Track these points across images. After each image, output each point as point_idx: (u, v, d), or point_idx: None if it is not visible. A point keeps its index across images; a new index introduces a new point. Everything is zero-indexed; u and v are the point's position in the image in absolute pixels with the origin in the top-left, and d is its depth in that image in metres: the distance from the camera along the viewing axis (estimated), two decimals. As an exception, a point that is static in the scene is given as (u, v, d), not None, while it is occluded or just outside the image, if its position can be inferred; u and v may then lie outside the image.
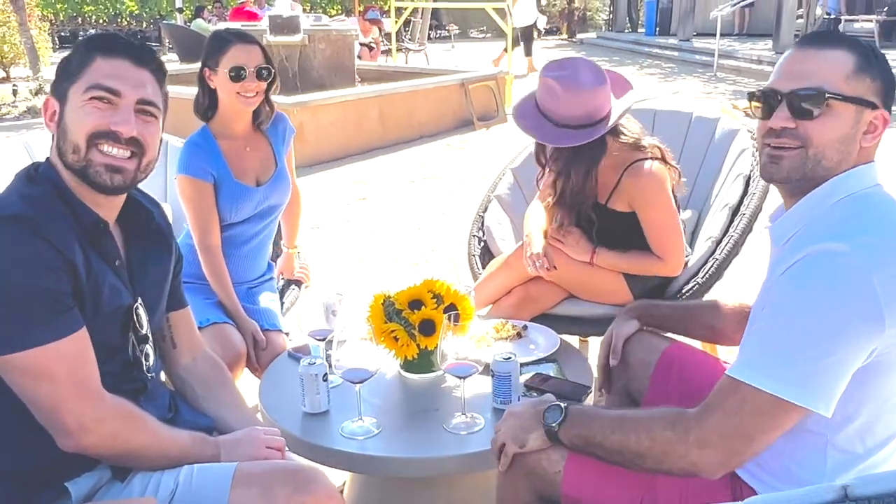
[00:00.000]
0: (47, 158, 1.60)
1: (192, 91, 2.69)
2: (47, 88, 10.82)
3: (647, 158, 2.58)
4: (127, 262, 1.66)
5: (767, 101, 1.49)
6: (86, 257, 1.51)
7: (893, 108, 1.54)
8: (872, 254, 1.31)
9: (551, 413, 1.62)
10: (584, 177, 2.57)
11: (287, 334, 2.70)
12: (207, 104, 2.65)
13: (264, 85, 2.62)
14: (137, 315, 1.65)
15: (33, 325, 1.42)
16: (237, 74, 2.55)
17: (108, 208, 1.62)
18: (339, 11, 26.07)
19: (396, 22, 15.18)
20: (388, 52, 15.63)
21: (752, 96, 1.54)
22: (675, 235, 2.65)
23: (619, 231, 2.69)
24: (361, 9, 17.84)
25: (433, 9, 19.32)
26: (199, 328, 2.05)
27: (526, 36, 15.55)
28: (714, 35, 15.41)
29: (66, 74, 1.56)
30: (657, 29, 21.35)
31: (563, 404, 1.62)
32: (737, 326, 1.90)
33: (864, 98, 1.43)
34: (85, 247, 1.53)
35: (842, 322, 1.30)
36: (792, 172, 1.47)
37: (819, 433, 1.42)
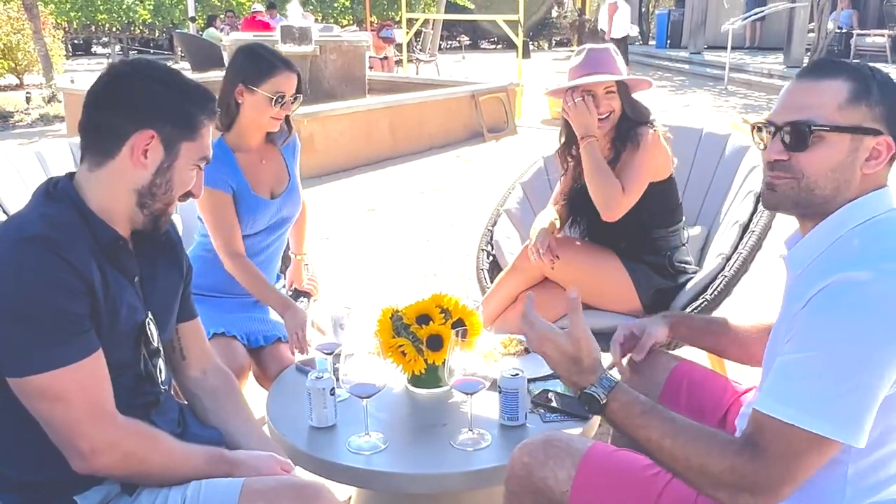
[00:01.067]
0: (67, 174, 1.60)
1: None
2: (60, 96, 10.98)
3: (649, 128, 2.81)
4: (140, 277, 1.67)
5: (765, 132, 1.50)
6: (103, 277, 1.52)
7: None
8: (894, 279, 1.31)
9: (589, 400, 1.53)
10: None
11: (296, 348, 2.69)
12: (228, 118, 2.65)
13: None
14: (149, 330, 1.66)
15: (50, 348, 1.42)
16: (279, 101, 2.57)
17: (125, 226, 1.63)
18: (351, 22, 26.18)
19: (408, 33, 15.24)
20: (398, 62, 15.69)
21: (753, 128, 1.54)
22: (642, 181, 2.77)
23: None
24: (374, 20, 17.91)
25: (444, 20, 19.39)
26: (206, 339, 2.05)
27: (623, 48, 15.68)
28: (725, 48, 15.42)
29: (182, 127, 1.58)
30: (668, 41, 21.41)
31: (601, 396, 1.52)
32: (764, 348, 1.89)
33: (861, 126, 1.42)
34: (103, 265, 1.53)
35: (871, 351, 1.29)
36: (784, 201, 1.48)
37: (841, 461, 1.40)
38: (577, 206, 2.94)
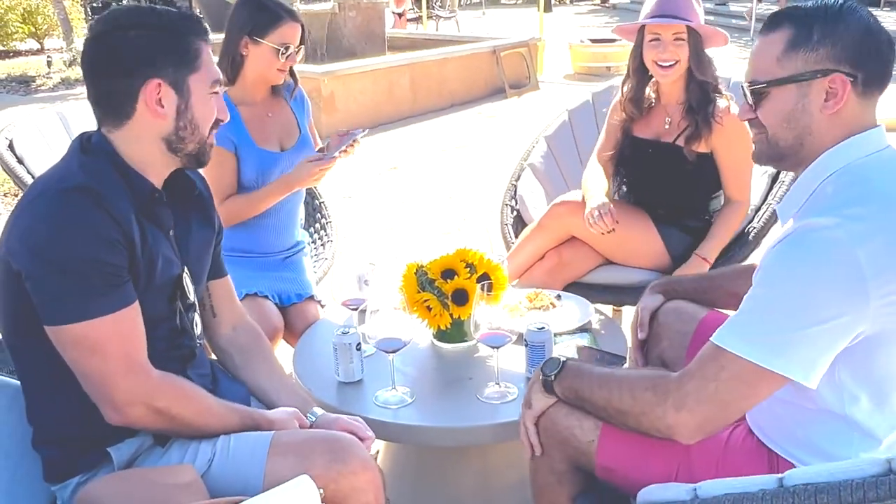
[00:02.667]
0: (98, 130, 1.58)
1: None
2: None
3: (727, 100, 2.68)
4: (174, 231, 1.67)
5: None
6: (142, 230, 1.52)
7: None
8: (859, 226, 1.30)
9: (549, 365, 1.66)
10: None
11: (321, 303, 2.70)
12: (232, 71, 2.63)
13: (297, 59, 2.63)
14: (185, 283, 1.66)
15: (90, 298, 1.44)
16: (284, 52, 2.55)
17: (159, 177, 1.62)
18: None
19: (427, -11, 15.05)
20: (418, 19, 15.51)
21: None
22: (750, 171, 2.75)
23: (687, 173, 2.72)
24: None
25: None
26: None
27: None
28: (751, -2, 15.10)
29: (183, 63, 1.54)
30: (693, -8, 20.94)
31: (562, 358, 1.66)
32: None
33: (801, 73, 1.42)
34: (140, 219, 1.53)
35: (823, 295, 1.30)
36: (761, 156, 1.54)
37: (837, 413, 1.41)
38: (627, 160, 2.86)
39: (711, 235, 2.71)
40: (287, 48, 2.55)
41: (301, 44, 2.61)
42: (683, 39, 2.62)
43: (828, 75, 1.41)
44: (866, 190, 1.38)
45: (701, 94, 2.66)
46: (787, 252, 1.36)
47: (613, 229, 2.62)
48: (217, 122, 1.63)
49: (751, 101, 1.49)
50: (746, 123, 1.56)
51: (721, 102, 2.65)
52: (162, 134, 1.56)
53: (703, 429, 1.40)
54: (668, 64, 2.64)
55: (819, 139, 1.44)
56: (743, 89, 1.50)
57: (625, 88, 2.83)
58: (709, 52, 2.68)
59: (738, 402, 1.37)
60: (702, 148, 2.69)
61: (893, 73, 1.48)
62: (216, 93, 1.61)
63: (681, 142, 2.70)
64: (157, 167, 1.60)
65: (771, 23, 1.48)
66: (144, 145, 1.56)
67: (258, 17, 2.55)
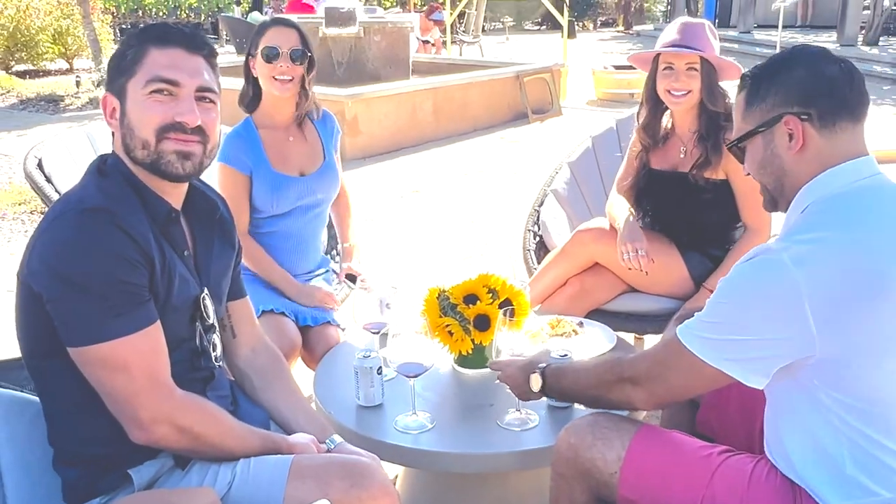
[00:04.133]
0: (113, 151, 1.62)
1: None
2: (109, 80, 11.13)
3: None
4: (193, 253, 1.68)
5: None
6: (160, 250, 1.54)
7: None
8: (804, 248, 1.39)
9: (534, 382, 1.81)
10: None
11: (341, 327, 2.70)
12: (252, 95, 2.66)
13: (299, 70, 2.60)
14: (204, 305, 1.67)
15: (112, 318, 1.44)
16: (270, 54, 2.56)
17: (176, 197, 1.64)
18: (394, 4, 26.13)
19: (451, 14, 15.16)
20: (442, 44, 15.62)
21: None
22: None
23: (706, 202, 2.71)
24: (418, 2, 17.82)
25: (488, 1, 19.25)
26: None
27: None
28: (776, 27, 15.07)
29: (122, 69, 1.56)
30: (717, 20, 21.01)
31: (538, 369, 1.82)
32: None
33: (760, 124, 1.55)
34: (158, 238, 1.55)
35: (760, 313, 1.42)
36: (764, 204, 1.65)
37: (836, 423, 1.45)
38: (646, 191, 2.86)
39: (722, 268, 2.69)
40: (273, 50, 2.55)
41: (300, 49, 2.58)
42: (696, 70, 2.62)
43: (780, 119, 1.51)
44: (829, 217, 1.46)
45: (711, 123, 2.67)
46: (744, 270, 1.47)
47: (647, 272, 2.64)
48: (174, 126, 1.54)
49: (739, 158, 1.64)
50: None
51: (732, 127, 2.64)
52: (118, 144, 1.59)
53: (651, 402, 1.63)
54: (679, 93, 2.64)
55: (795, 177, 1.53)
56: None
57: (640, 117, 2.84)
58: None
59: (681, 385, 1.56)
60: (718, 175, 2.68)
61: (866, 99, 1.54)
62: (158, 91, 1.53)
63: (696, 171, 2.69)
64: (164, 188, 1.60)
65: (738, 85, 1.63)
66: (126, 161, 1.59)
67: (254, 35, 2.63)
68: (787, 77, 1.52)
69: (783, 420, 1.52)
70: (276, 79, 2.58)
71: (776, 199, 1.59)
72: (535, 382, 1.80)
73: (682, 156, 2.76)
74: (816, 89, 1.49)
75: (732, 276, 1.48)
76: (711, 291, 2.57)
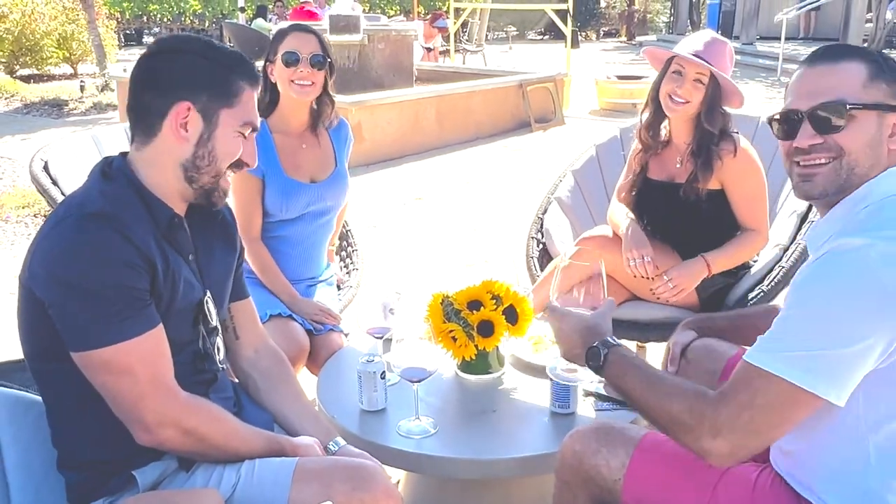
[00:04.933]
0: (120, 154, 1.62)
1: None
2: (113, 85, 11.16)
3: (736, 134, 2.71)
4: (196, 256, 1.68)
5: (788, 121, 1.50)
6: (163, 254, 1.54)
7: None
8: (890, 247, 1.30)
9: (592, 355, 1.61)
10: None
11: (345, 333, 2.70)
12: (268, 100, 2.67)
13: (319, 75, 2.62)
14: (207, 308, 1.67)
15: (115, 322, 1.45)
16: (289, 59, 2.58)
17: (179, 205, 1.64)
18: (398, 12, 26.20)
19: (455, 22, 15.20)
20: (445, 52, 15.66)
21: (771, 120, 1.55)
22: (765, 206, 2.75)
23: (702, 212, 2.71)
24: (422, 10, 17.87)
25: (491, 10, 19.30)
26: (262, 322, 2.06)
27: None
28: (778, 38, 15.11)
29: (219, 94, 1.56)
30: (720, 31, 20.99)
31: (603, 350, 1.59)
32: None
33: (883, 103, 1.45)
34: (161, 243, 1.55)
35: (853, 314, 1.29)
36: (828, 187, 1.48)
37: (855, 432, 1.39)
38: (644, 201, 2.86)
39: (723, 249, 2.71)
40: (292, 55, 2.58)
41: (320, 55, 2.61)
42: (703, 83, 2.62)
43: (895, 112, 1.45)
44: (893, 216, 1.39)
45: (704, 140, 2.66)
46: (817, 272, 1.35)
47: (653, 278, 2.66)
48: (240, 164, 1.63)
49: (824, 125, 1.45)
50: (782, 153, 1.54)
51: (726, 143, 2.65)
52: (181, 159, 1.58)
53: (736, 455, 1.38)
54: (680, 101, 2.64)
55: (867, 171, 1.46)
56: (811, 113, 1.46)
57: (643, 115, 2.84)
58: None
59: (772, 429, 1.36)
60: (713, 185, 2.68)
61: None
62: (245, 136, 1.62)
63: (687, 185, 2.70)
64: (174, 195, 1.61)
65: (838, 52, 1.49)
66: (164, 170, 1.58)
67: (273, 40, 2.67)
68: None
69: (799, 431, 1.44)
70: (295, 83, 2.60)
71: (849, 186, 1.46)
72: (594, 356, 1.60)
73: (678, 166, 2.77)
74: None
75: (811, 280, 1.35)
76: (708, 264, 2.63)
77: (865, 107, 1.44)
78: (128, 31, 25.95)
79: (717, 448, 1.37)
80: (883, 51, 1.53)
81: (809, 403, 1.32)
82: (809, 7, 16.91)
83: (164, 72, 1.57)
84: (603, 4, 31.27)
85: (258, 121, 1.64)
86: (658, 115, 2.77)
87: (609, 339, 1.61)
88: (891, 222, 1.36)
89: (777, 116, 1.52)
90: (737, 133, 2.69)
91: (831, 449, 1.41)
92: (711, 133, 2.65)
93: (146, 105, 1.57)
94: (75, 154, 3.04)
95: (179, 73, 1.56)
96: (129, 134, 1.62)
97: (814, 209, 2.76)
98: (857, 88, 1.44)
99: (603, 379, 2.10)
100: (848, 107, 1.43)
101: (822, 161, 1.47)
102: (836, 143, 1.45)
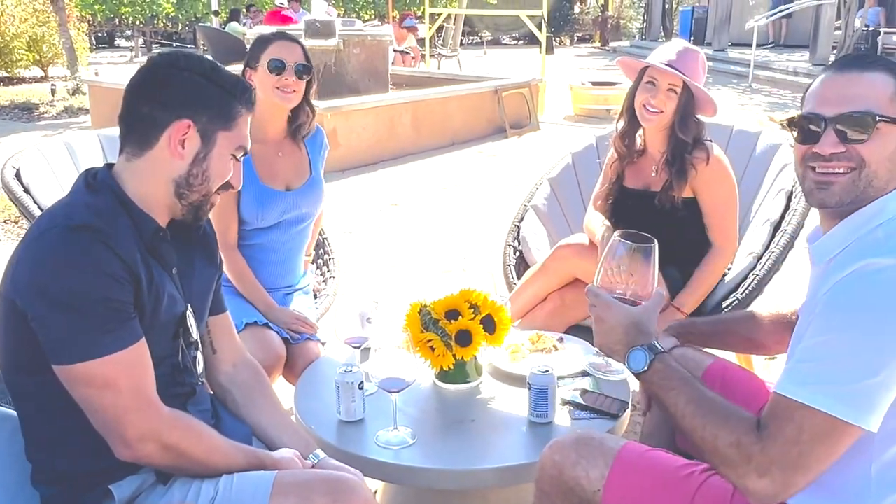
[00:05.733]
0: (105, 165, 1.61)
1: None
2: (84, 89, 11.04)
3: (709, 142, 2.72)
4: (177, 269, 1.67)
5: (810, 125, 1.49)
6: (147, 268, 1.53)
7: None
8: None
9: (635, 359, 1.57)
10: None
11: (321, 342, 2.69)
12: None
13: (302, 84, 2.64)
14: (189, 321, 1.66)
15: (99, 336, 1.43)
16: (276, 67, 2.58)
17: (163, 218, 1.63)
18: (373, 17, 26.18)
19: (430, 28, 15.22)
20: (421, 57, 15.68)
21: (790, 122, 1.53)
22: (735, 216, 2.76)
23: (678, 220, 2.72)
24: (396, 15, 17.88)
25: (466, 15, 19.35)
26: (238, 331, 2.05)
27: None
28: (749, 45, 15.28)
29: (219, 117, 1.58)
30: (692, 38, 21.16)
31: (649, 356, 1.55)
32: (777, 337, 1.91)
33: None
34: (145, 256, 1.54)
35: (890, 336, 1.28)
36: (844, 197, 1.46)
37: (864, 452, 1.39)
38: (620, 209, 2.87)
39: (689, 287, 2.73)
40: (279, 63, 2.58)
41: (305, 65, 2.62)
42: (676, 93, 2.65)
43: None
44: None
45: (678, 148, 2.69)
46: (849, 294, 1.33)
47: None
48: (227, 186, 1.66)
49: (849, 134, 1.44)
50: (797, 157, 1.53)
51: (699, 152, 2.68)
52: (174, 175, 1.58)
53: (783, 494, 1.36)
54: (654, 111, 2.67)
55: (885, 185, 1.45)
56: (837, 120, 1.45)
57: (618, 125, 2.86)
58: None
59: (819, 463, 1.32)
60: (687, 193, 2.72)
61: None
62: (237, 159, 1.65)
63: (662, 194, 2.72)
64: (161, 208, 1.61)
65: (867, 62, 1.47)
66: (154, 183, 1.58)
67: (253, 46, 2.67)
68: None
69: None
70: (280, 90, 2.60)
71: (866, 198, 1.45)
72: (637, 360, 1.56)
73: (653, 174, 2.79)
74: None
75: (844, 303, 1.33)
76: (679, 310, 2.63)
77: (893, 121, 1.43)
78: (99, 34, 25.67)
79: (762, 488, 1.34)
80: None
81: (854, 434, 1.30)
82: (780, 15, 17.14)
83: (167, 86, 1.57)
84: (577, 10, 31.44)
85: (249, 144, 1.67)
86: (633, 124, 2.79)
87: (655, 342, 1.58)
88: None
89: (797, 119, 1.51)
90: (710, 141, 2.72)
91: (832, 468, 1.36)
92: (685, 142, 2.67)
93: (144, 117, 1.56)
94: (48, 161, 3.01)
95: (184, 91, 1.57)
96: (119, 142, 1.61)
97: (787, 218, 2.80)
98: (885, 101, 1.43)
99: (584, 389, 2.13)
100: (877, 118, 1.42)
101: (842, 171, 1.45)
102: (859, 153, 1.44)
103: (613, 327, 1.62)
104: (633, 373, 1.59)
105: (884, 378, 1.29)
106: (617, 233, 1.68)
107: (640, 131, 2.82)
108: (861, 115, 1.43)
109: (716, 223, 2.73)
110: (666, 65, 2.64)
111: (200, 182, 1.60)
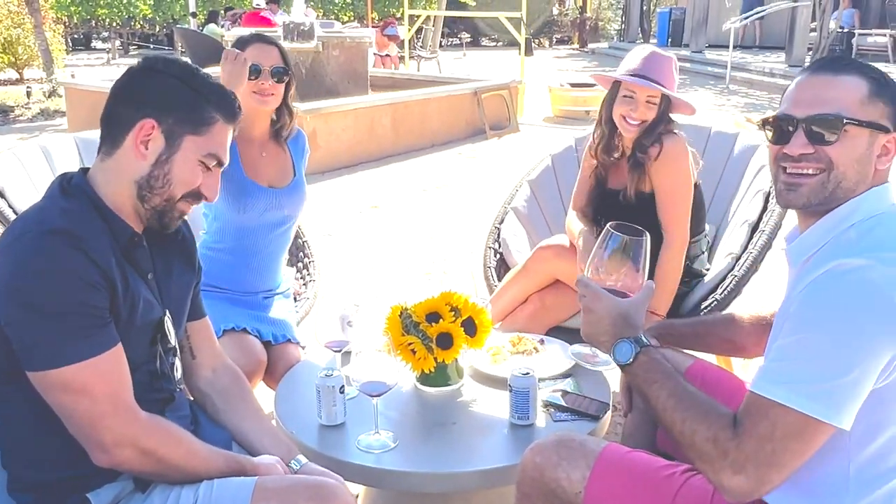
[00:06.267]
0: (80, 170, 1.60)
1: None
2: (61, 91, 10.94)
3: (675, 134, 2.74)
4: (154, 274, 1.66)
5: (782, 126, 1.51)
6: (122, 273, 1.51)
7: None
8: (889, 268, 1.32)
9: (621, 351, 1.58)
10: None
11: (301, 346, 2.67)
12: None
13: (280, 87, 2.63)
14: (167, 327, 1.65)
15: (74, 341, 1.42)
16: (253, 70, 2.57)
17: (137, 223, 1.62)
18: (352, 18, 26.13)
19: (409, 30, 15.21)
20: (400, 59, 15.67)
21: (765, 123, 1.56)
22: (686, 208, 2.73)
23: (652, 215, 2.71)
24: (375, 17, 17.84)
25: (445, 17, 19.36)
26: (217, 336, 2.03)
27: None
28: (727, 47, 15.40)
29: (187, 120, 1.56)
30: (669, 40, 21.35)
31: (634, 349, 1.56)
32: (755, 339, 1.91)
33: (878, 122, 1.46)
34: (121, 262, 1.52)
35: (862, 336, 1.31)
36: (812, 197, 1.49)
37: (842, 451, 1.41)
38: (599, 209, 2.88)
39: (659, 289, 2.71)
40: (255, 67, 2.57)
41: (282, 67, 2.61)
42: (655, 104, 2.67)
43: (888, 133, 1.47)
44: (891, 236, 1.42)
45: (639, 142, 2.71)
46: (822, 294, 1.36)
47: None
48: (198, 195, 1.61)
49: (818, 136, 1.46)
50: (770, 157, 1.55)
51: (655, 144, 2.69)
52: (136, 176, 1.56)
53: (758, 491, 1.37)
54: (635, 122, 2.68)
55: (853, 186, 1.47)
56: (807, 121, 1.46)
57: (595, 135, 2.87)
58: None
59: (792, 460, 1.34)
60: (648, 187, 2.72)
61: None
62: (209, 168, 1.60)
63: (645, 188, 2.73)
64: (131, 213, 1.59)
65: (842, 65, 1.49)
66: (119, 184, 1.57)
67: (234, 47, 2.64)
68: None
69: None
70: (257, 94, 2.59)
71: (834, 199, 1.47)
72: (623, 352, 1.57)
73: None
74: None
75: (816, 303, 1.35)
76: (654, 313, 2.63)
77: (860, 124, 1.45)
78: (76, 36, 25.46)
79: (737, 484, 1.36)
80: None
81: (826, 432, 1.33)
82: (756, 17, 17.29)
83: (139, 87, 1.57)
84: (556, 12, 31.56)
85: (226, 156, 1.63)
86: (611, 133, 2.80)
87: (642, 336, 1.59)
88: (885, 242, 1.39)
89: (771, 120, 1.53)
90: (676, 133, 2.73)
91: (810, 467, 1.39)
92: (646, 137, 2.70)
93: (115, 114, 1.57)
94: (23, 165, 2.97)
95: (152, 92, 1.56)
96: (99, 143, 1.61)
97: (764, 219, 2.82)
98: (856, 104, 1.45)
99: (565, 391, 2.13)
100: (844, 121, 1.44)
101: (810, 171, 1.48)
102: (827, 155, 1.46)
103: (601, 318, 1.62)
104: (618, 364, 1.60)
105: (856, 376, 1.31)
106: (609, 224, 1.68)
107: (618, 134, 2.83)
108: (830, 117, 1.45)
109: (663, 212, 2.71)
110: (641, 76, 2.66)
111: (161, 185, 1.57)
